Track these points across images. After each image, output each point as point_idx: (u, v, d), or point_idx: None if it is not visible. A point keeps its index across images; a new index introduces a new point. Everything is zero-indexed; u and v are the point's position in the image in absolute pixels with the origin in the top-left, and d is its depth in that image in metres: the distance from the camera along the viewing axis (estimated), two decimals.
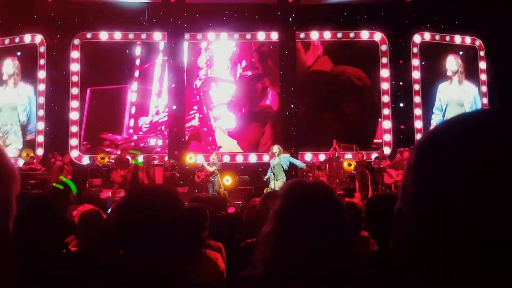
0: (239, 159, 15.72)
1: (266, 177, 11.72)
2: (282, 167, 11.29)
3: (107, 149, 14.26)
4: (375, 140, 15.89)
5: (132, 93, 14.90)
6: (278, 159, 11.47)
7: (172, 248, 1.37)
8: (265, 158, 14.40)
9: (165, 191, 1.47)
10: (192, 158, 13.75)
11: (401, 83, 16.32)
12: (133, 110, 14.88)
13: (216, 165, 12.27)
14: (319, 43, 16.18)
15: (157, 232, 1.34)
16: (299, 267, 1.30)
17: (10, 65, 16.02)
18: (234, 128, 15.46)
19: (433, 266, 0.63)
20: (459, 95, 16.84)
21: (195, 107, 15.34)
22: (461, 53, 17.03)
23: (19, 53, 15.91)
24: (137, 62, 15.28)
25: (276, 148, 11.52)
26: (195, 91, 15.50)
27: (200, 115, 15.33)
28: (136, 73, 14.99)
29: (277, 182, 11.20)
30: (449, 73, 16.94)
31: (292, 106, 16.07)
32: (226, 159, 15.25)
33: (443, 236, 0.61)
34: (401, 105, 16.32)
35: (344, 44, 16.16)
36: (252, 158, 15.63)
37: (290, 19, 16.16)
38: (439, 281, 0.62)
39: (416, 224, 0.64)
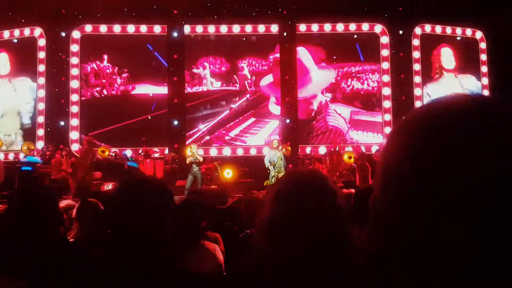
0: (240, 152, 15.74)
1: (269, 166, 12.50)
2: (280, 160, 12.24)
3: None
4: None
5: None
6: (277, 153, 12.27)
7: (163, 238, 1.37)
8: (264, 151, 14.53)
9: (154, 183, 1.46)
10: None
11: (402, 76, 16.31)
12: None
13: (190, 158, 12.16)
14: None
15: (146, 223, 1.34)
16: (292, 253, 1.30)
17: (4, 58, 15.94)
18: None
19: (397, 255, 0.61)
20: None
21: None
22: (458, 38, 16.95)
23: (15, 40, 15.90)
24: None
25: (276, 143, 12.06)
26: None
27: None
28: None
29: (279, 175, 11.60)
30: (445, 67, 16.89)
31: (287, 99, 16.10)
32: (227, 152, 15.40)
33: (401, 227, 0.59)
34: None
35: None
36: (253, 151, 15.65)
37: (285, 12, 16.10)
38: (400, 268, 0.61)
39: (380, 210, 0.63)
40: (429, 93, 16.39)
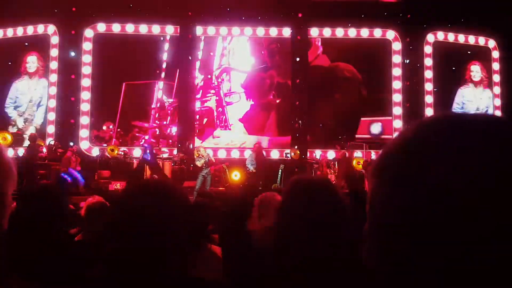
0: (248, 155, 15.72)
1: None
2: None
3: (137, 134, 15.28)
4: (357, 135, 15.97)
5: (158, 89, 15.77)
6: None
7: (173, 242, 1.36)
8: (273, 154, 14.66)
9: (165, 185, 1.45)
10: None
11: (407, 83, 16.22)
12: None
13: (204, 158, 12.18)
14: (319, 42, 16.33)
15: (155, 226, 1.33)
16: (298, 260, 1.30)
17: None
18: (244, 113, 15.99)
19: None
20: (477, 101, 16.77)
21: (212, 91, 16.05)
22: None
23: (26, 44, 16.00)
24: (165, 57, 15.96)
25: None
26: (214, 79, 16.16)
27: (217, 98, 16.01)
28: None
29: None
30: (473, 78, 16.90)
31: (297, 103, 16.04)
32: (236, 154, 15.43)
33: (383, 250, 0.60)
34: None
35: (341, 42, 16.22)
36: None
37: (298, 15, 16.10)
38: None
39: (367, 234, 0.64)
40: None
